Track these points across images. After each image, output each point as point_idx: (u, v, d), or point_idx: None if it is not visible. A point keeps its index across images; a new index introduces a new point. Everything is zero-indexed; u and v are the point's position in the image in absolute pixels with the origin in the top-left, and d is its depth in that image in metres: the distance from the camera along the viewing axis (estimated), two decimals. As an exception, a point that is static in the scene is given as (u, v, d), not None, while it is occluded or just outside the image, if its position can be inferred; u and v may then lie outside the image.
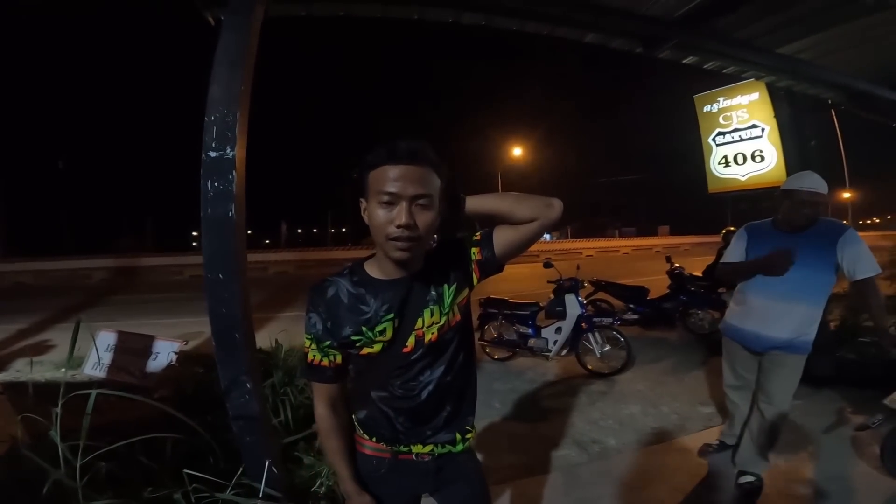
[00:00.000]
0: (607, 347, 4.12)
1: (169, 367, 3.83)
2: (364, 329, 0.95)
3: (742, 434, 2.27)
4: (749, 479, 2.15)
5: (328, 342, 0.98)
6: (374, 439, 1.05)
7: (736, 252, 2.18)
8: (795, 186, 1.97)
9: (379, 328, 0.95)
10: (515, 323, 4.46)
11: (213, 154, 1.42)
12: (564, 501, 2.12)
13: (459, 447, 1.06)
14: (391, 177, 0.86)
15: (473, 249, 1.02)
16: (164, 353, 3.95)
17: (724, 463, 2.38)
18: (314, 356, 1.00)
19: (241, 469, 1.54)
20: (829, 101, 3.93)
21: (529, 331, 4.39)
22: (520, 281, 9.37)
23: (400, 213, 0.86)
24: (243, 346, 1.46)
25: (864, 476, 2.24)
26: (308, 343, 1.00)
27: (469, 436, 1.08)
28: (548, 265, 4.76)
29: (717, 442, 2.53)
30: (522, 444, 2.70)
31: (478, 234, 1.04)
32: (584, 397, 3.49)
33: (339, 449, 1.06)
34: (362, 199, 0.92)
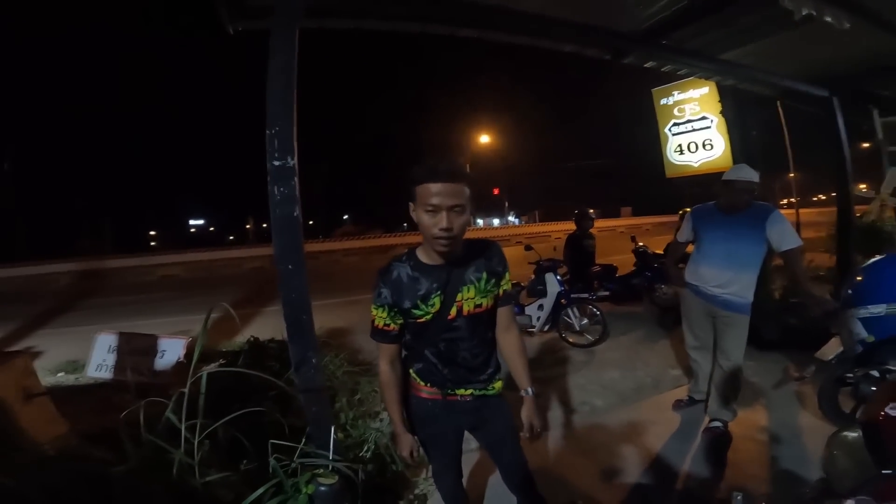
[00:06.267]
0: (585, 321, 4.54)
1: (178, 364, 3.95)
2: (419, 302, 1.25)
3: (710, 390, 2.69)
4: (717, 424, 2.59)
5: (395, 310, 1.27)
6: (428, 385, 1.36)
7: (686, 232, 2.65)
8: (733, 177, 2.39)
9: (430, 301, 1.25)
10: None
11: (276, 163, 1.64)
12: (567, 451, 2.52)
13: (492, 391, 1.40)
14: (433, 191, 1.11)
15: (504, 284, 1.36)
16: (171, 351, 4.01)
17: (693, 414, 2.82)
18: (381, 322, 1.29)
19: (304, 438, 1.75)
20: (769, 95, 4.48)
21: (514, 308, 4.76)
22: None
23: (441, 219, 1.13)
24: (309, 328, 1.71)
25: (806, 422, 2.69)
26: (376, 311, 1.29)
27: (498, 384, 1.42)
28: (528, 248, 5.15)
29: (686, 398, 2.96)
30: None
31: (509, 284, 1.39)
32: (569, 367, 3.91)
33: (394, 398, 1.37)
34: (411, 203, 1.19)
